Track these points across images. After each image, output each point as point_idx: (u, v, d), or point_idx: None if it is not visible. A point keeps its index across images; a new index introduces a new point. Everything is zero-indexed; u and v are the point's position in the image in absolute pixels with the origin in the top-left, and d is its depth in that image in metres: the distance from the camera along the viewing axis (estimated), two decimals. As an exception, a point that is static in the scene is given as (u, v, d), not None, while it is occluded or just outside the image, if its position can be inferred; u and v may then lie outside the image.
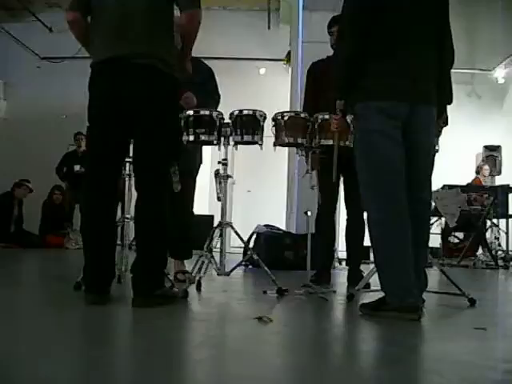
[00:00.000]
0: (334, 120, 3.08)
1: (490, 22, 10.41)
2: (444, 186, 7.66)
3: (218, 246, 3.67)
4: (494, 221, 8.04)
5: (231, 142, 3.63)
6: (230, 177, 3.69)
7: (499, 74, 10.83)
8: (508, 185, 8.33)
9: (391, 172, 2.80)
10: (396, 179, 2.80)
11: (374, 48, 2.83)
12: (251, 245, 6.09)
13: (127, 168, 3.64)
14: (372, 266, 3.16)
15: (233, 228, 3.67)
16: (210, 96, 4.21)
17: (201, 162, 4.39)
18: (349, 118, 3.20)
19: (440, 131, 3.13)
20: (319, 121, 3.62)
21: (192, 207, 4.37)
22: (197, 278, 3.63)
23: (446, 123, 3.12)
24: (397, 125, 2.81)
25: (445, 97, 2.99)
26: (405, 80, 2.81)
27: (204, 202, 9.30)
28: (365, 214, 4.24)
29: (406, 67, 2.82)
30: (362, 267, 4.48)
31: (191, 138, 3.57)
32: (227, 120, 3.62)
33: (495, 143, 10.32)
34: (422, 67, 2.85)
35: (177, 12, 3.04)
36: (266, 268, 3.61)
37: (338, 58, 2.98)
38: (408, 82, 2.82)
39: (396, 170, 2.80)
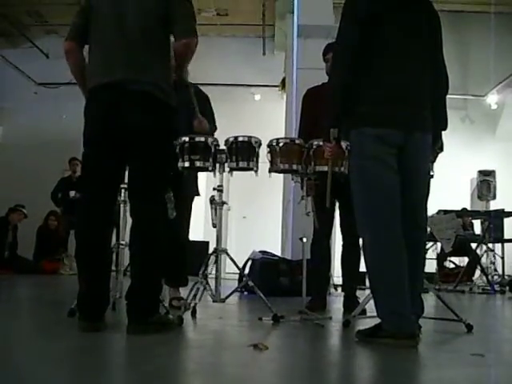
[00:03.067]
0: (328, 148, 3.09)
1: (482, 48, 10.56)
2: (439, 211, 7.68)
3: (214, 272, 3.65)
4: (490, 245, 8.04)
5: (226, 169, 3.64)
6: (226, 203, 3.69)
7: (492, 99, 10.95)
8: (503, 209, 8.36)
9: (386, 198, 2.80)
10: (391, 205, 2.80)
11: (368, 75, 2.85)
12: (246, 271, 6.07)
13: (122, 194, 3.63)
14: (368, 292, 3.15)
15: (228, 254, 3.66)
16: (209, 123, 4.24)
17: (197, 194, 4.40)
18: (344, 144, 3.22)
19: (436, 157, 3.15)
20: (314, 147, 3.63)
21: (187, 234, 4.36)
22: (192, 305, 3.60)
23: (441, 149, 3.14)
24: (392, 152, 2.82)
25: (440, 123, 3.02)
26: (400, 107, 2.83)
27: (199, 228, 9.30)
28: (360, 240, 4.26)
29: (401, 94, 2.84)
30: (358, 293, 4.46)
31: (186, 164, 3.58)
32: (222, 146, 3.64)
33: (489, 168, 10.38)
34: (418, 94, 2.88)
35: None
36: (261, 294, 3.60)
37: (331, 85, 3.00)
38: (404, 110, 2.84)
39: (391, 196, 2.81)
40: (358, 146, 2.89)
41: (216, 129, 4.35)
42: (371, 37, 2.83)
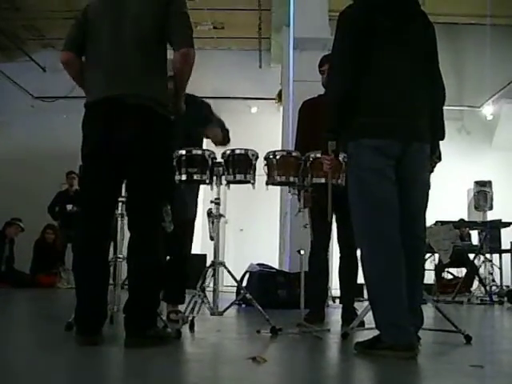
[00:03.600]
0: (326, 160, 3.08)
1: (477, 59, 10.64)
2: (436, 222, 7.68)
3: (211, 285, 3.64)
4: (488, 256, 8.03)
5: (223, 182, 3.64)
6: (223, 216, 3.69)
7: (487, 110, 11.01)
8: (500, 220, 8.37)
9: (384, 210, 2.81)
10: (389, 217, 2.80)
11: (366, 87, 2.85)
12: (244, 284, 6.06)
13: (120, 208, 3.63)
14: (366, 303, 3.15)
15: (226, 267, 3.65)
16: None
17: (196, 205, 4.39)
18: (341, 156, 3.22)
19: (434, 167, 3.15)
20: (311, 159, 3.63)
21: (189, 252, 4.34)
22: (189, 318, 3.59)
23: (439, 159, 3.15)
24: (390, 163, 2.82)
25: (438, 133, 3.03)
26: (398, 118, 2.84)
27: (197, 241, 9.24)
28: (358, 252, 4.25)
29: (399, 106, 2.85)
30: (356, 305, 4.45)
31: (183, 177, 3.58)
32: (219, 159, 3.64)
33: (486, 178, 10.40)
34: (415, 106, 2.88)
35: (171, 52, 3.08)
36: (259, 307, 3.59)
37: (329, 97, 3.00)
38: (402, 121, 2.84)
39: (389, 207, 2.81)
40: (356, 157, 2.89)
41: (227, 132, 4.37)
42: (367, 49, 2.84)
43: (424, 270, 3.09)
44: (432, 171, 3.15)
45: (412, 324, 2.76)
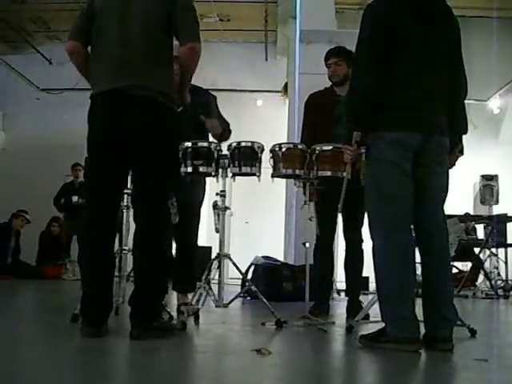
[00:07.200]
0: (349, 151, 3.05)
1: (484, 53, 10.55)
2: (442, 215, 7.64)
3: (216, 277, 3.65)
4: (493, 250, 8.01)
5: (229, 174, 3.64)
6: (228, 208, 3.69)
7: (494, 104, 10.95)
8: (506, 214, 8.34)
9: (398, 203, 2.80)
10: (403, 211, 2.80)
11: (387, 82, 2.83)
12: (249, 276, 6.07)
13: (125, 199, 3.63)
14: (371, 296, 3.15)
15: (231, 259, 3.66)
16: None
17: (204, 192, 4.32)
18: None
19: (456, 160, 3.15)
20: (317, 152, 3.63)
21: (196, 240, 4.33)
22: (194, 310, 3.59)
23: (461, 152, 3.15)
24: (408, 156, 2.82)
25: (461, 127, 3.04)
26: (419, 112, 2.83)
27: (202, 233, 9.24)
28: (363, 245, 4.25)
29: (419, 100, 2.83)
30: (361, 298, 4.46)
31: (189, 169, 3.58)
32: (225, 152, 3.64)
33: (492, 172, 10.36)
34: (436, 100, 2.88)
35: (176, 42, 3.07)
36: (264, 299, 3.59)
37: (356, 90, 2.96)
38: (422, 114, 2.84)
39: (403, 201, 2.81)
40: (375, 149, 2.89)
41: (229, 125, 4.32)
42: (391, 45, 2.82)
43: (450, 260, 3.09)
44: (454, 165, 3.14)
45: (446, 318, 2.77)
